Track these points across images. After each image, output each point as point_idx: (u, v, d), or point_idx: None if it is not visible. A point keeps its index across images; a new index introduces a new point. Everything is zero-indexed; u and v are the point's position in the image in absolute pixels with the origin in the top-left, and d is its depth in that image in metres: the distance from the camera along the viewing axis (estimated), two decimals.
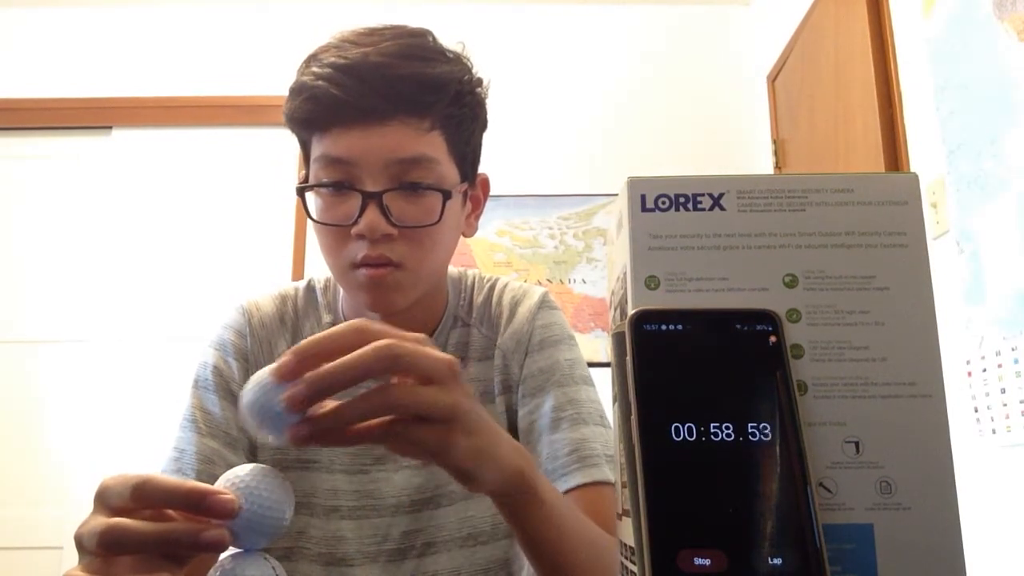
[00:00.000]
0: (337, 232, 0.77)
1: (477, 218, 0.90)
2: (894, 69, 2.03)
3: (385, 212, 0.75)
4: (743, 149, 3.01)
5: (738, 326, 0.38)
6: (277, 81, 3.54)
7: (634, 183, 0.41)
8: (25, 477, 2.83)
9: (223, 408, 0.82)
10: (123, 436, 2.80)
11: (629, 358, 0.37)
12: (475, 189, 0.87)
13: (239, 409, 0.48)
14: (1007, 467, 1.56)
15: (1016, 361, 1.52)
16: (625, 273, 0.40)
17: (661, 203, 0.41)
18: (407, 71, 0.75)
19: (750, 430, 0.35)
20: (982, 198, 1.63)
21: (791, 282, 0.40)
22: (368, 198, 0.75)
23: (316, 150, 0.78)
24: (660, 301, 0.39)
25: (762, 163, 2.91)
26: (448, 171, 0.79)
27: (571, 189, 3.00)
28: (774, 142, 2.84)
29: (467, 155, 0.83)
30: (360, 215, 0.75)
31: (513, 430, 0.85)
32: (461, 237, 0.86)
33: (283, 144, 2.96)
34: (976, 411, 1.63)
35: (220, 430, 0.81)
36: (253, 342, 0.86)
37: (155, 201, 3.03)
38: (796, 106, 2.68)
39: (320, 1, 3.11)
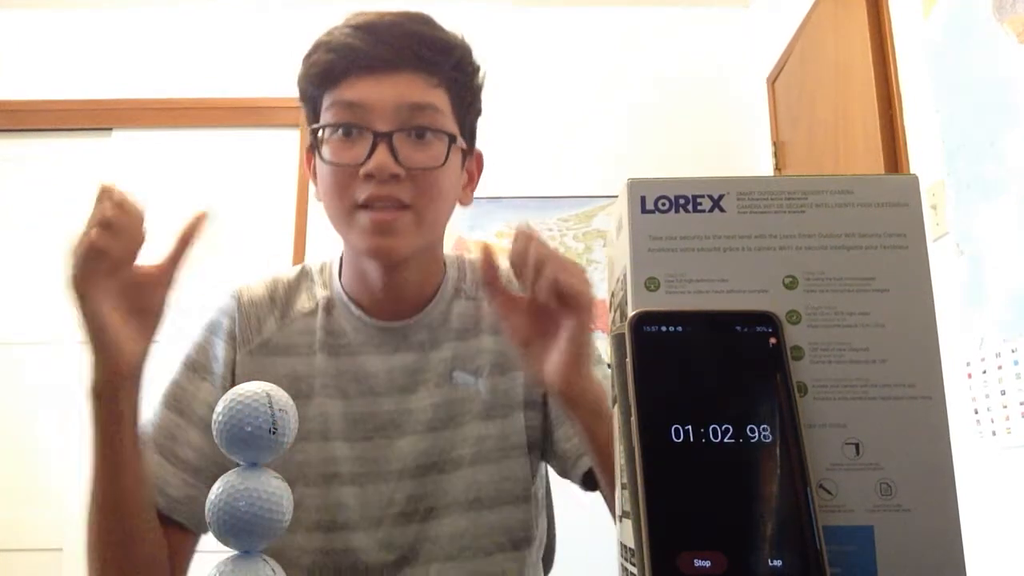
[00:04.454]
0: (344, 174, 0.79)
1: (472, 190, 0.93)
2: (894, 71, 2.03)
3: (394, 153, 0.78)
4: (743, 151, 3.01)
5: (738, 328, 0.38)
6: (277, 83, 3.52)
7: (634, 185, 0.41)
8: (24, 479, 2.82)
9: (195, 385, 0.85)
10: None
11: (629, 359, 0.37)
12: (471, 161, 0.91)
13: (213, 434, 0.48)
14: (1007, 468, 1.56)
15: (1016, 363, 1.51)
16: (625, 275, 0.40)
17: (661, 205, 0.41)
18: (418, 30, 0.81)
19: (750, 432, 0.35)
20: (982, 200, 1.64)
21: (791, 284, 0.40)
22: (378, 138, 0.78)
23: (328, 100, 0.81)
24: (660, 303, 0.39)
25: (762, 165, 2.91)
26: (452, 126, 0.83)
27: (571, 191, 3.00)
28: (774, 144, 2.84)
29: (467, 123, 0.87)
30: (370, 155, 0.78)
31: (535, 403, 0.88)
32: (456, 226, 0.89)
33: (283, 145, 2.96)
34: (976, 413, 1.63)
35: (186, 405, 0.83)
36: (241, 319, 0.88)
37: (155, 202, 3.02)
38: (796, 108, 2.68)
39: (320, 3, 3.11)
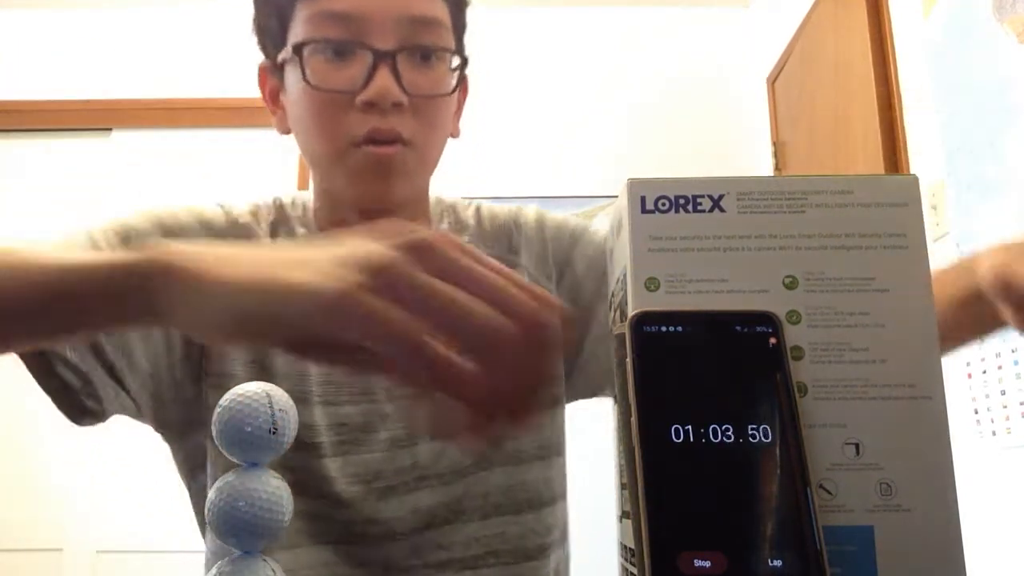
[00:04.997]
0: (335, 104, 0.67)
1: (459, 119, 0.82)
2: (894, 71, 2.03)
3: (397, 77, 0.66)
4: (743, 151, 3.01)
5: (738, 328, 0.38)
6: None
7: (634, 184, 0.41)
8: (24, 479, 2.82)
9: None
10: (122, 437, 2.80)
11: (629, 359, 0.37)
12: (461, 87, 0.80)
13: (213, 428, 0.44)
14: (1007, 469, 1.56)
15: (1016, 363, 1.51)
16: (625, 275, 0.40)
17: (661, 205, 0.41)
18: None
19: (750, 432, 0.35)
20: (982, 200, 1.64)
21: (791, 284, 0.40)
22: (379, 58, 0.65)
23: (306, 10, 0.68)
24: (660, 303, 0.39)
25: (762, 165, 2.91)
26: (453, 44, 0.72)
27: (571, 191, 3.00)
28: (774, 144, 2.84)
29: (463, 41, 0.75)
30: (369, 79, 0.65)
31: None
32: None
33: (283, 145, 2.95)
34: (976, 413, 1.63)
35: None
36: (230, 232, 0.74)
37: (155, 203, 3.03)
38: (796, 108, 2.68)
39: None
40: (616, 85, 3.12)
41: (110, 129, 3.11)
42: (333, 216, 0.75)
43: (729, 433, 0.35)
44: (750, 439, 0.35)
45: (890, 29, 2.06)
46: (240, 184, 3.05)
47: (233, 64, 3.11)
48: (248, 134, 3.07)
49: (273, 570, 0.46)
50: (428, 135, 0.69)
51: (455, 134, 0.78)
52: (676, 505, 0.34)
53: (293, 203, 0.79)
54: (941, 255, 1.75)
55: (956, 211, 1.72)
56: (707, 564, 0.32)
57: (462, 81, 0.77)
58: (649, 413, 0.36)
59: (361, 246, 0.38)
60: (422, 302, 0.37)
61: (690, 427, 0.35)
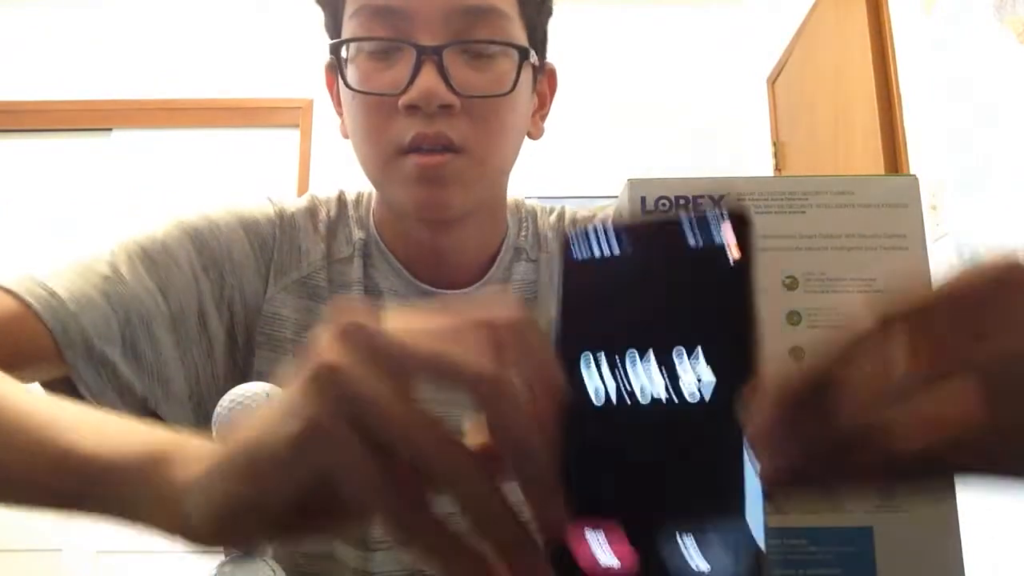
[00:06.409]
0: (380, 107, 0.61)
1: (543, 118, 0.73)
2: (894, 71, 2.03)
3: (444, 75, 0.59)
4: (743, 151, 3.01)
5: (692, 241, 0.29)
6: (276, 83, 3.48)
7: (634, 185, 0.41)
8: None
9: (187, 274, 0.62)
10: None
11: (556, 292, 0.31)
12: (543, 80, 0.71)
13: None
14: None
15: None
16: None
17: (661, 205, 0.41)
18: None
19: (684, 381, 0.27)
20: (982, 200, 1.63)
21: (791, 284, 0.40)
22: (423, 54, 0.59)
23: (353, 5, 0.62)
24: None
25: (762, 165, 2.91)
26: (520, 35, 0.64)
27: (571, 191, 3.00)
28: (774, 144, 2.84)
29: (538, 29, 0.67)
30: (412, 79, 0.59)
31: None
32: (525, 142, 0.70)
33: (283, 145, 2.95)
34: None
35: (170, 288, 0.61)
36: (282, 238, 0.67)
37: (155, 203, 3.03)
38: (796, 108, 2.68)
39: None
40: (615, 85, 3.12)
41: (110, 129, 3.11)
42: (396, 224, 0.69)
43: (656, 385, 0.28)
44: (684, 396, 0.27)
45: (890, 29, 2.06)
46: (240, 184, 3.05)
47: (233, 64, 3.12)
48: (248, 134, 3.07)
49: (273, 570, 0.46)
50: (487, 139, 0.62)
51: (535, 135, 0.71)
52: (575, 475, 0.27)
53: (357, 201, 0.73)
54: (941, 255, 1.75)
55: (956, 211, 1.72)
56: (615, 564, 0.26)
57: (542, 69, 0.70)
58: (560, 348, 0.29)
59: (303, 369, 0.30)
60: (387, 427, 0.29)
61: (607, 374, 0.28)
